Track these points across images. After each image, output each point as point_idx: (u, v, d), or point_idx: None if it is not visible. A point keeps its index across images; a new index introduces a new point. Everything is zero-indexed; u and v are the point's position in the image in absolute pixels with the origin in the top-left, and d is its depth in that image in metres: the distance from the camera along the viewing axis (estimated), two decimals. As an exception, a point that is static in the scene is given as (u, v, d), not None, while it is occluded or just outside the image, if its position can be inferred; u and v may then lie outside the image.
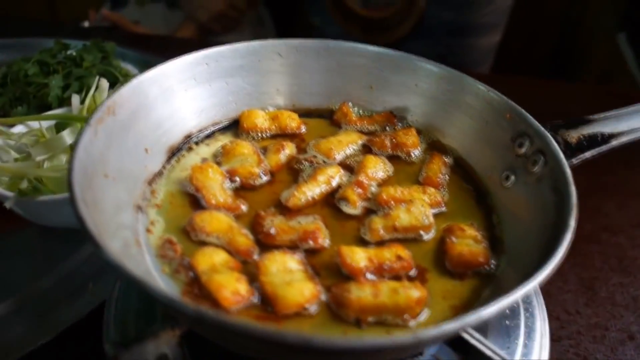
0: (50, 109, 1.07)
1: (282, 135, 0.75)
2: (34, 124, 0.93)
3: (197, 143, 0.73)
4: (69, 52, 1.18)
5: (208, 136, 0.74)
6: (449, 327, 0.43)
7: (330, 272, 0.57)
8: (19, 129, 0.92)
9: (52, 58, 1.15)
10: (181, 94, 0.70)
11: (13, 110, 1.08)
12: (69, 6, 2.64)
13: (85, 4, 2.54)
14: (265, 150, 0.71)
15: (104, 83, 0.95)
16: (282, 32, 2.07)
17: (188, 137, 0.71)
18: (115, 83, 1.13)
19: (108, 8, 2.02)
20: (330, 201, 0.65)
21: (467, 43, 1.76)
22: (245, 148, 0.69)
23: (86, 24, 1.82)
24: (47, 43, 1.26)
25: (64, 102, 1.07)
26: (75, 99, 0.97)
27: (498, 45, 1.83)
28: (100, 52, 1.19)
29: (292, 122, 0.74)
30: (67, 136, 0.84)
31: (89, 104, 0.95)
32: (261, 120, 0.73)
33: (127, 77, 1.15)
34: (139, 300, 0.64)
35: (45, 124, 0.92)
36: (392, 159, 0.72)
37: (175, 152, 0.69)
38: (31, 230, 0.87)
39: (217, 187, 0.63)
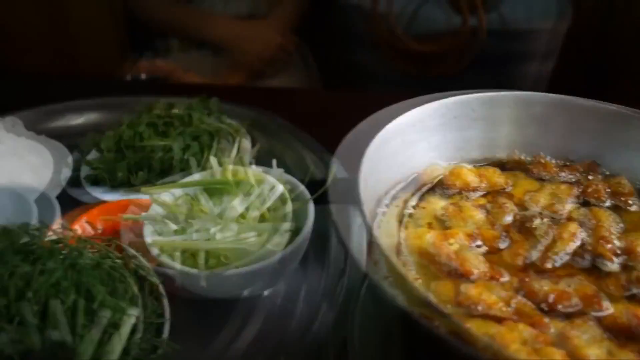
0: (170, 172, 1.03)
1: (490, 192, 0.72)
2: (177, 192, 0.89)
3: (386, 205, 0.70)
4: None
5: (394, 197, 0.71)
6: None
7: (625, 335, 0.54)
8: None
9: (157, 118, 1.11)
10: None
11: (133, 176, 1.03)
12: (87, 60, 2.58)
13: (105, 57, 2.50)
14: (485, 210, 0.68)
15: (246, 143, 0.92)
16: (325, 70, 2.06)
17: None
18: (231, 140, 1.10)
19: (150, 57, 1.99)
20: (577, 259, 0.63)
21: (526, 71, 1.77)
22: (471, 209, 0.66)
23: (142, 75, 1.77)
24: (129, 101, 1.23)
25: (184, 163, 1.03)
26: (214, 161, 0.93)
27: (552, 72, 1.85)
28: (205, 108, 1.15)
29: (499, 178, 0.72)
30: (239, 205, 0.80)
31: (234, 168, 0.91)
32: (472, 178, 0.71)
33: (238, 133, 1.11)
34: None
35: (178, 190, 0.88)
36: (611, 209, 0.70)
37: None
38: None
39: (471, 255, 0.60)
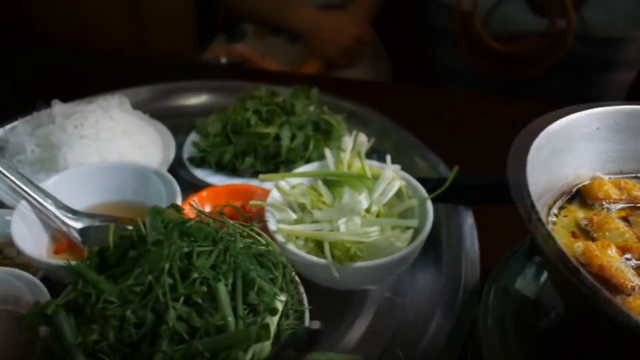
0: (274, 159, 1.04)
1: (630, 205, 0.72)
2: (293, 180, 0.91)
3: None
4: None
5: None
6: None
7: None
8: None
9: (262, 105, 1.12)
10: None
11: (239, 161, 1.05)
12: (157, 42, 2.61)
13: (176, 38, 2.52)
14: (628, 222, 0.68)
15: (362, 138, 0.93)
16: (399, 64, 2.05)
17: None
18: (328, 131, 1.11)
19: (224, 42, 2.01)
20: None
21: (609, 78, 1.74)
22: (616, 221, 0.66)
23: (222, 60, 1.79)
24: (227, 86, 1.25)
25: (290, 152, 1.05)
26: (329, 154, 0.94)
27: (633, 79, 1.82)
28: (306, 98, 1.16)
29: (639, 192, 0.72)
30: (364, 199, 0.81)
31: (349, 160, 0.92)
32: (613, 190, 0.71)
33: (340, 124, 1.12)
34: None
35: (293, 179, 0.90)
36: None
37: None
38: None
39: (624, 267, 0.60)
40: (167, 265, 0.57)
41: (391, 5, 2.00)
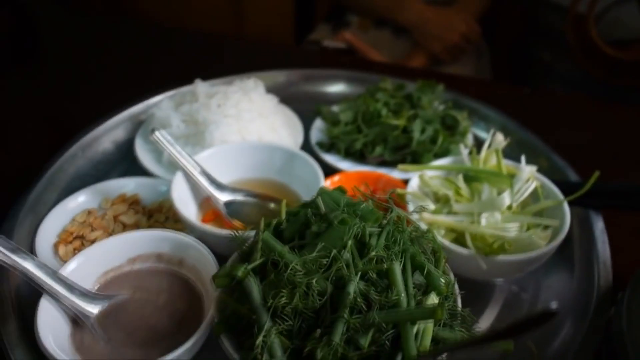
0: (402, 150, 1.08)
1: None
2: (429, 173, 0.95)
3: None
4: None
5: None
6: None
7: None
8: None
9: (389, 97, 1.16)
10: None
11: (368, 149, 1.10)
12: (255, 27, 2.70)
13: (273, 25, 2.60)
14: None
15: (499, 137, 0.95)
16: (501, 64, 2.05)
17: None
18: (452, 127, 1.14)
19: (327, 31, 2.05)
20: None
21: None
22: None
23: (324, 43, 1.84)
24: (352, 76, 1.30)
25: (420, 145, 1.08)
26: (463, 150, 0.98)
27: None
28: (432, 93, 1.19)
29: None
30: (507, 196, 0.84)
31: (484, 157, 0.95)
32: None
33: (465, 121, 1.15)
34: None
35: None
36: None
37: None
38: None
39: None
40: (350, 242, 0.62)
41: (493, 3, 2.00)
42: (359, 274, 0.62)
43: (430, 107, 1.15)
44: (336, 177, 1.04)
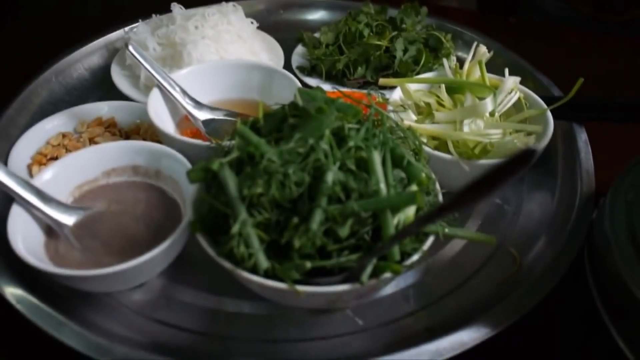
0: (385, 71, 1.06)
1: None
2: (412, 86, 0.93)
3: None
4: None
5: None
6: None
7: None
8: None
9: (371, 19, 1.13)
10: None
11: (350, 71, 1.07)
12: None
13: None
14: None
15: (483, 49, 0.93)
16: (485, 2, 2.00)
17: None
18: (436, 49, 1.12)
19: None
20: None
21: None
22: None
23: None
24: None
25: (402, 65, 1.06)
26: (446, 63, 0.96)
27: None
28: (415, 15, 1.17)
29: None
30: (490, 103, 0.82)
31: (467, 69, 0.93)
32: None
33: (449, 42, 1.13)
34: None
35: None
36: None
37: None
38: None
39: None
40: (327, 132, 0.61)
41: None
42: (338, 163, 0.60)
43: (413, 29, 1.12)
44: (317, 98, 1.01)
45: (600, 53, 1.32)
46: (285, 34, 1.25)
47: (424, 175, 0.63)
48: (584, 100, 0.97)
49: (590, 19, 1.72)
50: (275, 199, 0.59)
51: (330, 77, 1.10)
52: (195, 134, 0.94)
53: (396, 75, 1.06)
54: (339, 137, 0.63)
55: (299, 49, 1.18)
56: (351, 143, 0.61)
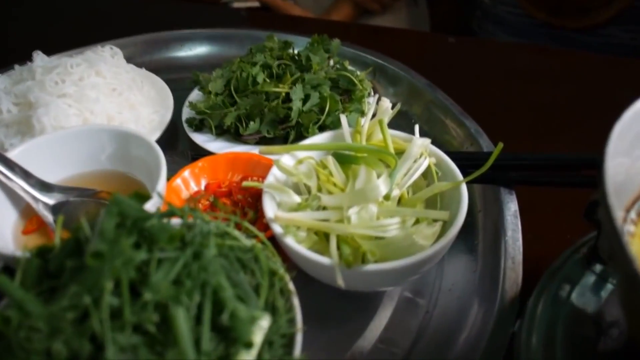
0: (283, 124, 0.89)
1: None
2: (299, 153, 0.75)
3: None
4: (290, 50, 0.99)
5: None
6: None
7: None
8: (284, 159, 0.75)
9: (272, 59, 0.95)
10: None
11: (243, 126, 0.90)
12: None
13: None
14: None
15: (386, 103, 0.76)
16: (436, 11, 1.84)
17: None
18: (349, 91, 0.94)
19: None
20: None
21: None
22: None
23: (235, 5, 1.61)
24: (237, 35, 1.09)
25: (302, 116, 0.89)
26: (344, 120, 0.78)
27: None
28: (325, 51, 0.99)
29: None
30: (383, 184, 0.65)
31: (368, 130, 0.76)
32: None
33: (363, 83, 0.95)
34: None
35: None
36: None
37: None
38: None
39: None
40: (110, 284, 0.43)
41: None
42: (130, 326, 0.43)
43: (322, 69, 0.94)
44: (200, 163, 0.85)
45: (546, 74, 1.14)
46: (185, 73, 1.07)
47: (257, 331, 0.46)
48: (515, 159, 0.80)
49: (545, 26, 1.56)
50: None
51: (223, 132, 0.92)
52: (44, 224, 0.77)
53: (298, 128, 0.89)
54: (143, 275, 0.46)
55: (195, 94, 1.00)
56: (148, 296, 0.44)
